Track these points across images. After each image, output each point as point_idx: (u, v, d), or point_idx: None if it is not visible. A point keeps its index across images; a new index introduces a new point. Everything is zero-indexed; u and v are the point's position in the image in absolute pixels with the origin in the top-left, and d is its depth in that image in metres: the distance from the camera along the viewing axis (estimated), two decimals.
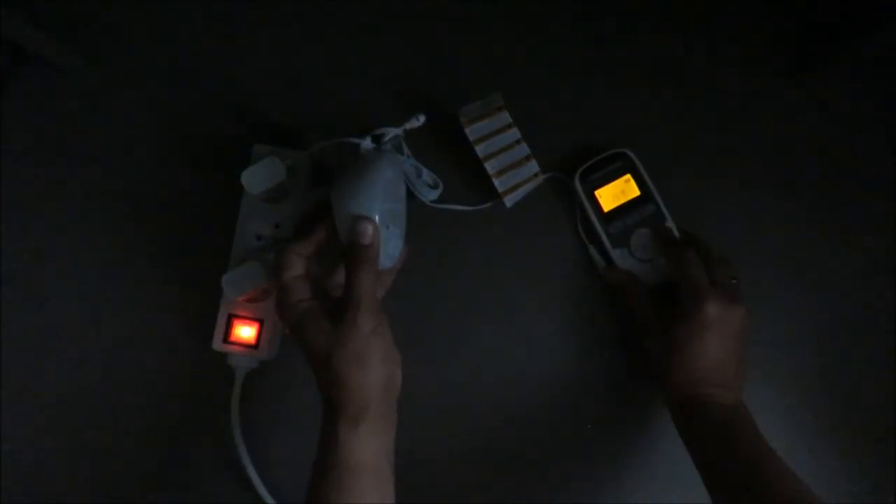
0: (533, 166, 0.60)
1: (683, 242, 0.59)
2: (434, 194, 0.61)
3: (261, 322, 0.58)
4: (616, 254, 0.61)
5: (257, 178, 0.55)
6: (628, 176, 0.61)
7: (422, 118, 0.54)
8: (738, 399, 0.54)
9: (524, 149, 0.60)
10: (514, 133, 0.60)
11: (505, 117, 0.59)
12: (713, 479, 0.51)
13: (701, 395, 0.53)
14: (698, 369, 0.54)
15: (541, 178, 0.60)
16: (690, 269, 0.56)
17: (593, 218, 0.61)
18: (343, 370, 0.46)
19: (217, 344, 0.58)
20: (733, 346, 0.55)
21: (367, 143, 0.53)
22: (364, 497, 0.46)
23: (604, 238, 0.61)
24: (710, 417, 0.53)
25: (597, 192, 0.61)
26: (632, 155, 0.61)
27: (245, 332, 0.58)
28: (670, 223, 0.61)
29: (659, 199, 0.61)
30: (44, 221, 0.61)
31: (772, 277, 0.63)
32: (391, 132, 0.53)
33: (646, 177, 0.61)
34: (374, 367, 0.47)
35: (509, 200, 0.60)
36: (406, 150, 0.58)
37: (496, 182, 0.59)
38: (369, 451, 0.46)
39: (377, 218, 0.48)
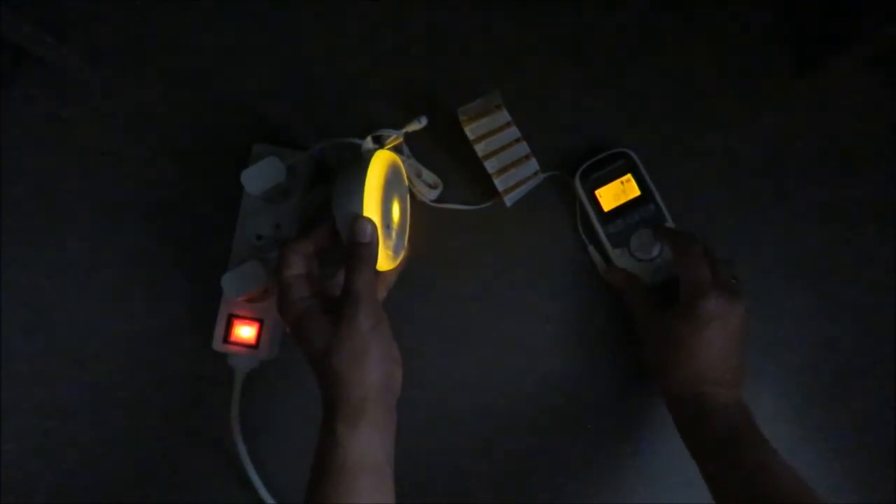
0: (533, 165, 0.60)
1: (690, 239, 0.58)
2: (434, 194, 0.61)
3: (261, 322, 0.58)
4: (615, 254, 0.61)
5: (257, 178, 0.55)
6: (629, 175, 0.61)
7: (423, 120, 0.54)
8: (738, 397, 0.54)
9: (524, 147, 0.60)
10: (514, 131, 0.60)
11: (504, 116, 0.59)
12: (715, 478, 0.51)
13: (701, 394, 0.53)
14: (698, 366, 0.54)
15: (541, 176, 0.60)
16: (696, 265, 0.55)
17: (593, 217, 0.61)
18: (342, 369, 0.46)
19: (217, 344, 0.58)
20: (733, 344, 0.55)
21: (367, 143, 0.53)
22: (363, 497, 0.45)
23: (603, 238, 0.61)
24: (711, 417, 0.52)
25: (597, 192, 0.61)
26: (633, 154, 0.61)
27: (245, 332, 0.58)
28: (670, 224, 0.61)
29: (659, 199, 0.61)
30: (44, 221, 0.61)
31: (773, 277, 0.63)
32: (392, 134, 0.53)
33: (647, 177, 0.61)
34: (373, 365, 0.47)
35: (509, 199, 0.60)
36: (406, 149, 0.58)
37: (496, 181, 0.59)
38: (368, 451, 0.46)
39: (376, 217, 0.49)
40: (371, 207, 0.48)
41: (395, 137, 0.53)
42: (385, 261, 0.50)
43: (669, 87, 0.64)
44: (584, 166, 0.61)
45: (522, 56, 0.64)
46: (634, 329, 0.60)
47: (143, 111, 0.63)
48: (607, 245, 0.61)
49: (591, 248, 0.62)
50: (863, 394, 0.62)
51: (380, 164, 0.50)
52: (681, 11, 0.64)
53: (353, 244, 0.48)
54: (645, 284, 0.60)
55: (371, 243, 0.48)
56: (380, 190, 0.50)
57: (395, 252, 0.53)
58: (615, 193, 0.61)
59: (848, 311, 0.63)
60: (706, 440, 0.52)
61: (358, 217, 0.48)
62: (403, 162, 0.56)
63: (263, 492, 0.58)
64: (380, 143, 0.53)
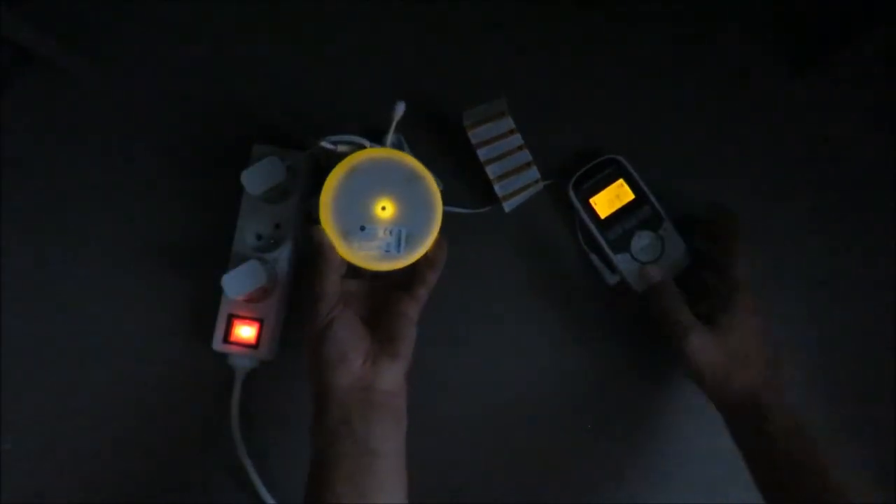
0: (533, 173, 0.60)
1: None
2: None
3: (261, 322, 0.58)
4: (618, 259, 0.61)
5: (257, 178, 0.55)
6: (621, 181, 0.62)
7: (401, 107, 0.53)
8: (788, 399, 0.53)
9: (525, 155, 0.60)
10: (517, 139, 0.60)
11: (508, 122, 0.59)
12: (778, 490, 0.50)
13: (765, 404, 0.52)
14: (754, 369, 0.53)
15: (540, 184, 0.61)
16: (740, 260, 0.55)
17: (591, 225, 0.61)
18: (307, 365, 0.50)
19: (217, 344, 0.58)
20: (767, 342, 0.55)
21: (328, 146, 0.53)
22: (326, 489, 0.46)
23: (604, 245, 0.61)
24: (775, 426, 0.51)
25: (591, 200, 0.61)
26: (622, 160, 0.61)
27: (245, 332, 0.58)
28: (668, 224, 0.61)
29: (654, 200, 0.62)
30: (43, 221, 0.61)
31: (773, 277, 0.63)
32: (346, 139, 0.53)
33: (638, 180, 0.62)
34: (324, 364, 0.49)
35: (508, 206, 0.60)
36: (407, 148, 0.58)
37: (496, 187, 0.59)
38: (334, 444, 0.47)
39: (332, 224, 0.50)
40: (325, 216, 0.50)
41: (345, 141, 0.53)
42: (363, 260, 0.51)
43: (669, 88, 0.64)
44: (575, 176, 0.61)
45: (529, 60, 0.64)
46: (662, 336, 0.57)
47: (144, 111, 0.63)
48: (609, 252, 0.61)
49: (593, 257, 0.62)
50: (862, 395, 0.62)
51: (338, 171, 0.51)
52: (681, 13, 0.65)
53: (313, 249, 0.50)
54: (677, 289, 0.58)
55: (323, 247, 0.50)
56: (332, 197, 0.50)
57: (393, 249, 0.53)
58: (609, 199, 0.61)
59: (847, 312, 0.63)
60: (769, 451, 0.51)
61: (312, 224, 0.50)
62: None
63: (263, 492, 0.59)
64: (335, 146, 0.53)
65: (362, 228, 0.51)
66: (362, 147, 0.52)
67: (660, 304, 0.57)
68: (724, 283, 0.55)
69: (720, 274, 0.56)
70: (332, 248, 0.50)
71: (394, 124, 0.53)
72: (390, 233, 0.51)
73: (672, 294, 0.57)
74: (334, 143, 0.52)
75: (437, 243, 0.53)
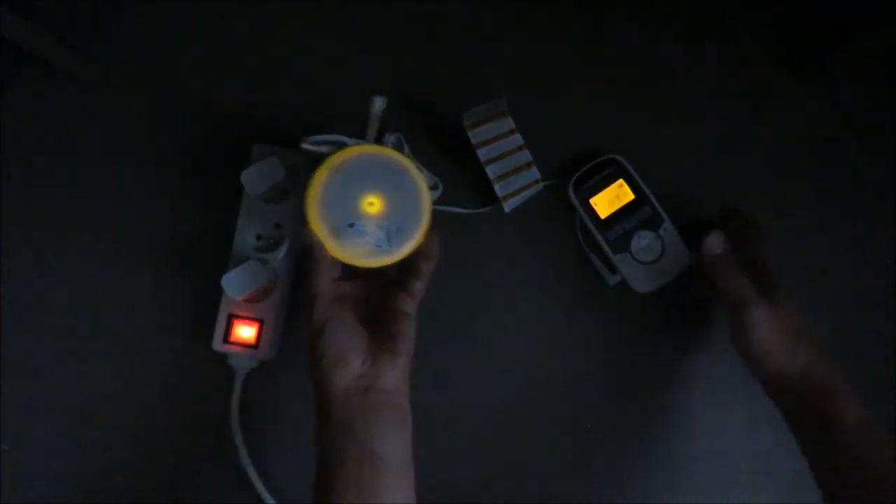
0: (533, 173, 0.60)
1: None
2: (433, 195, 0.61)
3: (261, 322, 0.58)
4: (618, 259, 0.61)
5: (257, 178, 0.55)
6: (621, 181, 0.62)
7: (377, 101, 0.53)
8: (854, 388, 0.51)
9: (526, 155, 0.60)
10: (517, 139, 0.60)
11: (508, 122, 0.59)
12: (845, 480, 0.49)
13: (828, 380, 0.51)
14: (814, 349, 0.52)
15: (540, 185, 0.61)
16: (767, 246, 0.55)
17: (591, 226, 0.61)
18: (308, 367, 0.49)
19: (217, 344, 0.58)
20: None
21: (311, 148, 0.53)
22: (334, 494, 0.46)
23: (604, 245, 0.61)
24: (843, 408, 0.49)
25: (591, 200, 0.61)
26: (622, 160, 0.61)
27: (245, 332, 0.58)
28: (668, 224, 0.61)
29: (654, 200, 0.62)
30: (43, 221, 0.61)
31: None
32: (327, 138, 0.53)
33: (638, 180, 0.62)
34: (324, 365, 0.48)
35: (508, 206, 0.60)
36: (407, 149, 0.58)
37: (496, 187, 0.59)
38: (333, 446, 0.47)
39: (324, 222, 0.50)
40: (312, 215, 0.50)
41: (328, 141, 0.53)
42: (355, 257, 0.51)
43: (670, 88, 0.64)
44: (575, 176, 0.61)
45: (530, 63, 0.64)
46: (727, 310, 0.55)
47: (143, 111, 0.63)
48: (609, 252, 0.61)
49: (593, 257, 0.62)
50: (862, 395, 0.62)
51: (322, 170, 0.51)
52: (681, 13, 0.65)
53: (305, 249, 0.50)
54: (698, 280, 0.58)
55: (314, 247, 0.49)
56: (317, 196, 0.50)
57: (384, 244, 0.52)
58: (609, 200, 0.61)
59: (848, 312, 0.63)
60: (837, 431, 0.49)
61: (304, 224, 0.50)
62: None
63: (263, 492, 0.59)
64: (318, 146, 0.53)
65: (351, 226, 0.51)
66: (344, 145, 0.52)
67: (722, 274, 0.56)
68: (759, 274, 0.55)
69: (752, 270, 0.56)
70: (323, 248, 0.50)
71: (371, 119, 0.53)
72: (380, 228, 0.51)
73: (734, 266, 0.56)
74: (317, 143, 0.52)
75: (429, 234, 0.52)
